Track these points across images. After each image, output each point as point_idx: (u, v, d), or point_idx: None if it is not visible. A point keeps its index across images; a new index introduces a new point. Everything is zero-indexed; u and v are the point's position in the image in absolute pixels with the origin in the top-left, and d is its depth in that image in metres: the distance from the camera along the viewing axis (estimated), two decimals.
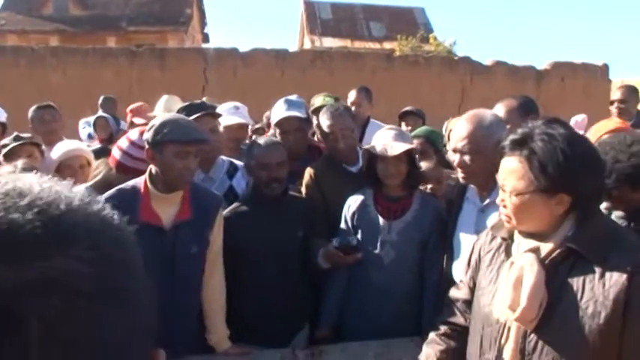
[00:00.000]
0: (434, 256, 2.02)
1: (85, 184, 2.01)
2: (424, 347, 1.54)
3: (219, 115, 2.39)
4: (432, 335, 1.55)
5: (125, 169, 1.98)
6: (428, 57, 9.47)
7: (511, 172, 1.20)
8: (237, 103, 2.89)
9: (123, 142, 2.04)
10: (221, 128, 2.55)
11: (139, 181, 1.82)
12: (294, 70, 8.53)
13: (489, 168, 1.78)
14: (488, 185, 1.82)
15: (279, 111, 2.53)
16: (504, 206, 1.23)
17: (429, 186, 2.32)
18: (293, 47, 9.26)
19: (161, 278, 1.76)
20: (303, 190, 2.41)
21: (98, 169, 2.04)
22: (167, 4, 16.06)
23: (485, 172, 1.78)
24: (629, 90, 3.40)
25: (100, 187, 1.96)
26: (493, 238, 1.38)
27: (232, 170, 2.34)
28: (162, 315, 1.60)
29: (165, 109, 3.02)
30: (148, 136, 1.74)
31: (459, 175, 1.85)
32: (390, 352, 1.85)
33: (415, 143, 2.37)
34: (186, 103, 2.26)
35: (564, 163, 1.11)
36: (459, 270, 1.89)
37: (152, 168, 1.79)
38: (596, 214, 1.19)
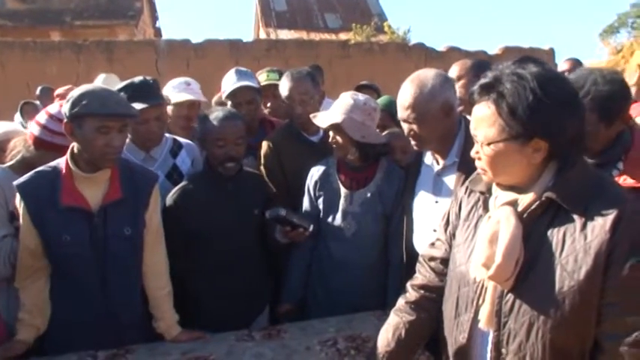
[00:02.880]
0: (399, 229, 1.94)
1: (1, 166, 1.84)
2: (391, 314, 1.44)
3: (166, 103, 2.20)
4: (401, 302, 1.43)
5: (44, 145, 1.81)
6: (383, 44, 9.51)
7: (481, 119, 1.10)
8: (189, 79, 2.73)
9: (41, 117, 1.87)
10: (170, 109, 2.42)
11: (60, 162, 1.66)
12: (248, 61, 8.34)
13: (440, 131, 1.75)
14: (445, 148, 1.79)
15: (230, 82, 2.40)
16: (479, 158, 1.15)
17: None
18: (248, 39, 9.07)
19: (94, 265, 1.64)
20: (262, 161, 2.30)
21: (16, 148, 1.87)
22: None
23: (436, 136, 1.75)
24: (575, 62, 3.54)
25: (20, 167, 1.79)
26: (471, 191, 1.29)
27: (176, 148, 2.18)
28: (103, 304, 1.48)
29: None
30: (65, 108, 1.58)
31: (412, 143, 1.81)
32: (351, 327, 1.78)
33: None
34: (125, 83, 2.02)
35: (535, 105, 1.02)
36: (420, 240, 1.85)
37: (74, 146, 1.63)
38: (577, 162, 1.09)
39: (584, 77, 1.59)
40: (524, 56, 1.17)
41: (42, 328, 1.67)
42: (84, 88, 1.60)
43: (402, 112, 1.73)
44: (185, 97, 2.51)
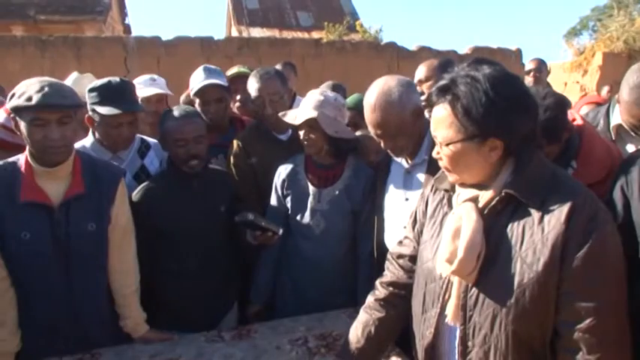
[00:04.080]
0: (367, 226, 1.94)
1: None
2: (361, 311, 1.45)
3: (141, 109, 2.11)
4: (370, 299, 1.45)
5: (6, 146, 1.75)
6: (355, 43, 9.55)
7: (439, 121, 1.13)
8: (154, 75, 2.70)
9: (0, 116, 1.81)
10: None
11: (21, 157, 1.60)
12: (220, 58, 8.24)
13: (415, 136, 1.76)
14: (415, 148, 1.80)
15: (198, 80, 2.35)
16: (440, 159, 1.18)
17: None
18: (220, 37, 8.97)
19: (57, 263, 1.58)
20: (231, 160, 2.27)
21: None
22: None
23: (412, 141, 1.76)
24: (540, 62, 3.70)
25: None
26: (437, 189, 1.32)
27: (144, 148, 2.12)
28: (67, 303, 1.42)
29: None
30: (8, 101, 1.52)
31: (389, 152, 1.82)
32: (322, 326, 1.78)
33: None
34: (100, 83, 1.92)
35: (488, 105, 1.05)
36: (391, 237, 1.86)
37: None
38: (533, 158, 1.12)
39: None
40: (479, 57, 1.20)
41: (15, 350, 1.60)
42: (25, 81, 1.53)
43: (373, 129, 1.72)
44: (152, 90, 2.46)
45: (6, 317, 1.58)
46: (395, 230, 1.84)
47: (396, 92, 1.66)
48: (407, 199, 1.81)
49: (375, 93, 1.68)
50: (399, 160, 1.88)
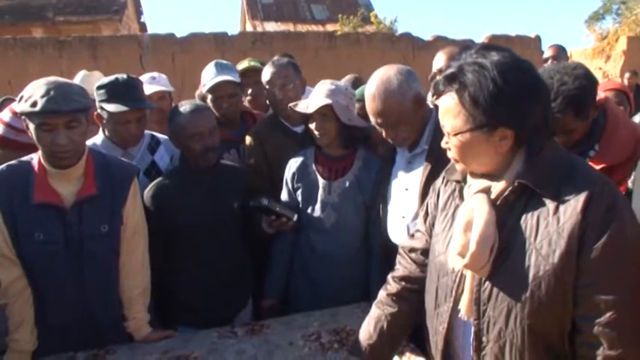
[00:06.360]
0: (379, 218, 1.91)
1: None
2: (373, 307, 1.42)
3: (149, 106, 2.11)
4: (382, 294, 1.42)
5: (11, 144, 1.75)
6: (369, 35, 9.46)
7: (447, 110, 1.09)
8: (155, 73, 2.71)
9: (5, 115, 1.81)
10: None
11: (34, 157, 1.60)
12: (234, 54, 8.26)
13: (416, 124, 1.74)
14: (417, 137, 1.78)
15: (210, 76, 2.35)
16: (449, 149, 1.14)
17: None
18: (234, 32, 8.99)
19: (69, 263, 1.58)
20: (246, 153, 2.29)
21: None
22: None
23: (413, 130, 1.75)
24: (560, 48, 3.55)
25: None
26: (448, 181, 1.28)
27: (154, 144, 2.12)
28: (79, 304, 1.41)
29: None
30: (17, 103, 1.51)
31: (391, 141, 1.80)
32: (335, 321, 1.76)
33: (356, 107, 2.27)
34: (107, 80, 1.93)
35: (497, 94, 1.01)
36: (391, 227, 1.84)
37: None
38: (546, 146, 1.08)
39: (549, 78, 1.55)
40: (487, 44, 1.15)
41: (32, 349, 1.61)
42: (33, 83, 1.52)
43: (374, 118, 1.72)
44: (153, 88, 2.47)
45: (24, 317, 1.59)
46: (395, 220, 1.83)
47: (395, 81, 1.66)
48: (406, 189, 1.80)
49: (374, 82, 1.69)
50: (402, 150, 1.86)
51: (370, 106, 1.70)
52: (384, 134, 1.75)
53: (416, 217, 1.68)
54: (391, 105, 1.65)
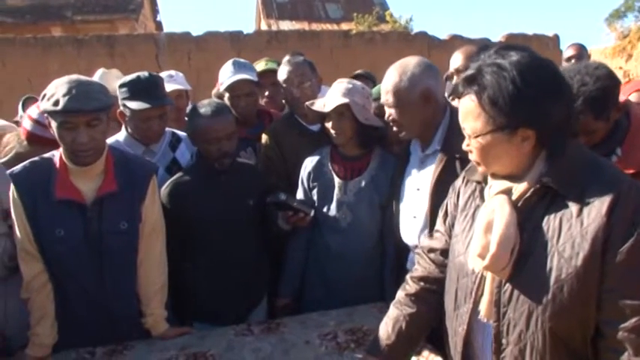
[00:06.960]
0: (392, 218, 1.89)
1: None
2: (391, 307, 1.41)
3: (170, 103, 2.13)
4: (400, 294, 1.40)
5: (38, 140, 1.77)
6: (385, 34, 9.41)
7: (467, 113, 1.08)
8: (172, 72, 2.73)
9: (33, 111, 1.83)
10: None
11: (56, 154, 1.62)
12: (250, 52, 8.27)
13: (420, 118, 1.73)
14: (427, 136, 1.78)
15: (227, 74, 2.36)
16: (470, 151, 1.13)
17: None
18: (249, 31, 9.02)
19: (89, 259, 1.60)
20: (263, 151, 2.30)
21: (10, 144, 1.83)
22: None
23: (416, 123, 1.74)
24: (581, 47, 3.46)
25: (14, 163, 1.73)
26: (468, 181, 1.26)
27: (175, 141, 2.14)
28: (98, 299, 1.44)
29: None
30: (40, 101, 1.53)
31: (394, 129, 1.80)
32: (351, 320, 1.76)
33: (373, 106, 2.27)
34: (130, 78, 1.95)
35: (516, 94, 0.99)
36: (403, 227, 1.84)
37: None
38: (569, 147, 1.06)
39: (570, 79, 1.51)
40: (506, 43, 1.14)
41: (52, 342, 1.63)
42: (55, 81, 1.54)
43: (383, 96, 1.75)
44: (171, 87, 2.49)
45: (45, 311, 1.62)
46: (406, 220, 1.82)
47: (410, 68, 1.69)
48: (418, 189, 1.79)
49: (395, 64, 1.73)
50: (415, 150, 1.86)
51: (383, 82, 1.75)
52: (386, 115, 1.77)
53: (426, 217, 1.71)
54: (399, 86, 1.68)
